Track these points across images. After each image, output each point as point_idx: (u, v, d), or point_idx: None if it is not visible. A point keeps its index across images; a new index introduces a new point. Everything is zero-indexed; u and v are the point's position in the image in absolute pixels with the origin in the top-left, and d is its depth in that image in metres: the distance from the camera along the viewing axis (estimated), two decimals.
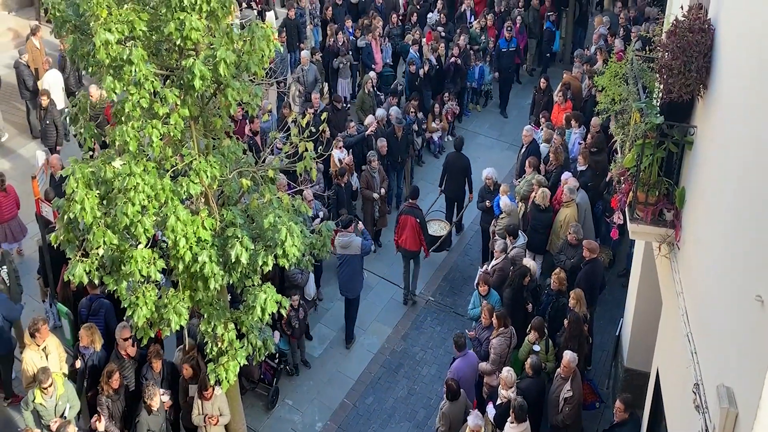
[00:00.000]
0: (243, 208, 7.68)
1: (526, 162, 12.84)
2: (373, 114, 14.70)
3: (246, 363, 8.01)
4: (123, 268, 6.86)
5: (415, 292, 12.74)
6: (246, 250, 6.93)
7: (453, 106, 16.44)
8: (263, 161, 8.23)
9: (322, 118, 8.35)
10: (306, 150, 7.77)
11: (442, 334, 12.07)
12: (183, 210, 6.83)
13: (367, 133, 13.93)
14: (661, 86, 7.47)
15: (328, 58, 16.58)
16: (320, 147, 8.03)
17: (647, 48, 9.20)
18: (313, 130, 7.93)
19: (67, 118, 7.42)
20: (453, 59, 16.39)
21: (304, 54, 15.92)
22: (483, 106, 18.23)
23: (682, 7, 7.60)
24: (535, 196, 11.99)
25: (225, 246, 7.14)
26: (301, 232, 7.11)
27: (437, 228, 13.17)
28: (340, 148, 13.43)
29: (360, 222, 11.92)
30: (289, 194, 7.94)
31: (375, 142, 13.75)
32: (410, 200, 12.27)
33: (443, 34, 17.81)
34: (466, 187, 13.52)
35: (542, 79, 15.85)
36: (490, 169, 13.14)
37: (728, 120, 6.46)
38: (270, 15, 18.49)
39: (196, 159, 7.08)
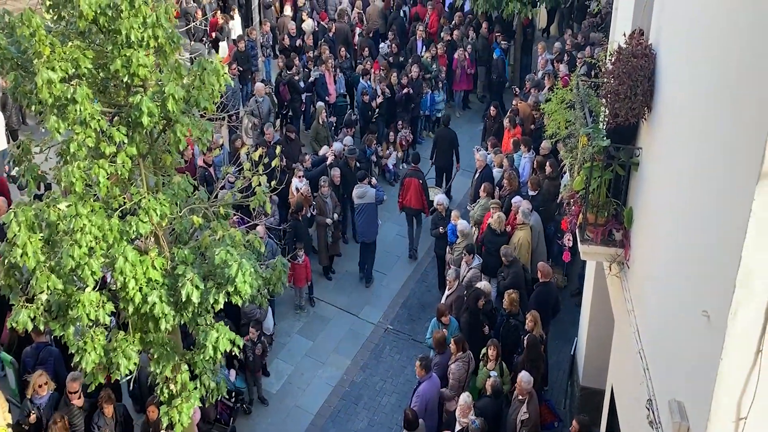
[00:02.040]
0: (195, 246, 7.55)
1: (481, 187, 13.02)
2: (328, 145, 14.77)
3: (200, 404, 7.82)
4: (70, 312, 6.66)
5: (416, 248, 14.27)
6: (197, 288, 6.79)
7: (407, 134, 16.59)
8: (215, 196, 8.13)
9: (277, 151, 8.28)
10: (259, 184, 7.70)
11: (401, 363, 12.01)
12: (132, 251, 6.68)
13: (327, 163, 13.96)
14: (608, 111, 7.65)
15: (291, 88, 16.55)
16: (274, 181, 7.94)
17: (593, 72, 9.44)
18: (267, 161, 7.86)
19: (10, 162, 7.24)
20: (405, 90, 16.55)
21: (259, 85, 15.88)
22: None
23: (624, 34, 7.85)
24: (490, 221, 12.12)
25: (176, 285, 7.00)
26: (253, 268, 7.00)
27: (431, 194, 14.28)
28: (300, 177, 13.42)
29: (373, 178, 13.59)
30: (242, 229, 7.83)
31: (329, 172, 13.80)
32: (413, 164, 13.91)
33: (398, 58, 17.97)
34: (454, 158, 15.11)
35: (492, 107, 16.12)
36: (442, 195, 13.42)
37: (671, 140, 6.65)
38: (223, 45, 18.42)
39: (144, 197, 6.95)
